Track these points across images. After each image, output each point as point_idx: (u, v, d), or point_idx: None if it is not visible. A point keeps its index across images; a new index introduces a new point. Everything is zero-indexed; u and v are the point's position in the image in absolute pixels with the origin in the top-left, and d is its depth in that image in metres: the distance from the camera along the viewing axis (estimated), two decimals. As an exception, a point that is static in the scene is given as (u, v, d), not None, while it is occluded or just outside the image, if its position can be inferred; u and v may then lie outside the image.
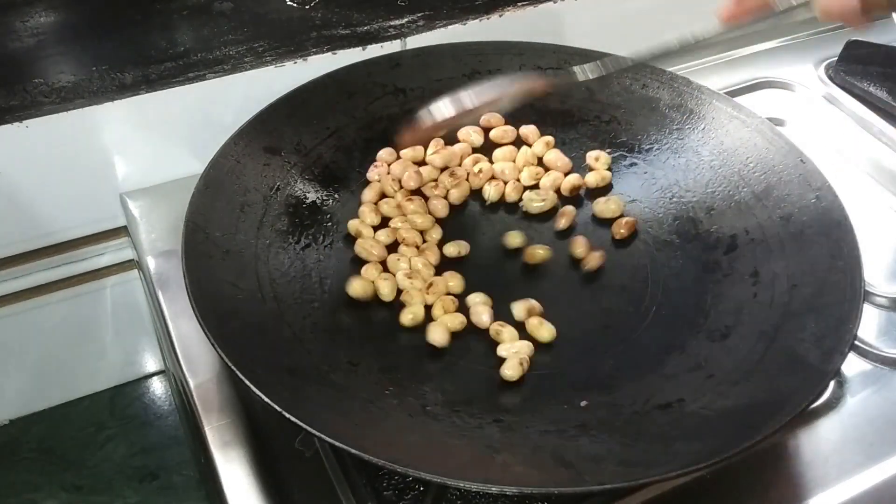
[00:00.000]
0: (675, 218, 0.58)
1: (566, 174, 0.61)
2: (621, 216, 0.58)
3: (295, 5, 0.62)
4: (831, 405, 0.51)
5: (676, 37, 0.48)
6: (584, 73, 0.54)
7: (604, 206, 0.59)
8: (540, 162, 0.62)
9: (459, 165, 0.61)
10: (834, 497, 0.46)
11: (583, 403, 0.47)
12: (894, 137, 0.69)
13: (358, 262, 0.55)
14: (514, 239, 0.57)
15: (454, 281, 0.54)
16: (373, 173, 0.59)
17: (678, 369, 0.49)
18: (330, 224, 0.57)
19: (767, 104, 0.72)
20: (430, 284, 0.53)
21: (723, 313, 0.52)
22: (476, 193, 0.61)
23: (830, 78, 0.75)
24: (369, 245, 0.55)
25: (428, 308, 0.52)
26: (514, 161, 0.62)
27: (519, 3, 0.70)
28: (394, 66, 0.63)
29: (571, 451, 0.43)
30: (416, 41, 0.67)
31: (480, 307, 0.52)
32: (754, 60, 0.78)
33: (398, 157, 0.61)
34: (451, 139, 0.62)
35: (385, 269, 0.54)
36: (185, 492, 0.71)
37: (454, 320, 0.51)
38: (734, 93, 0.72)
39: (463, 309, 0.52)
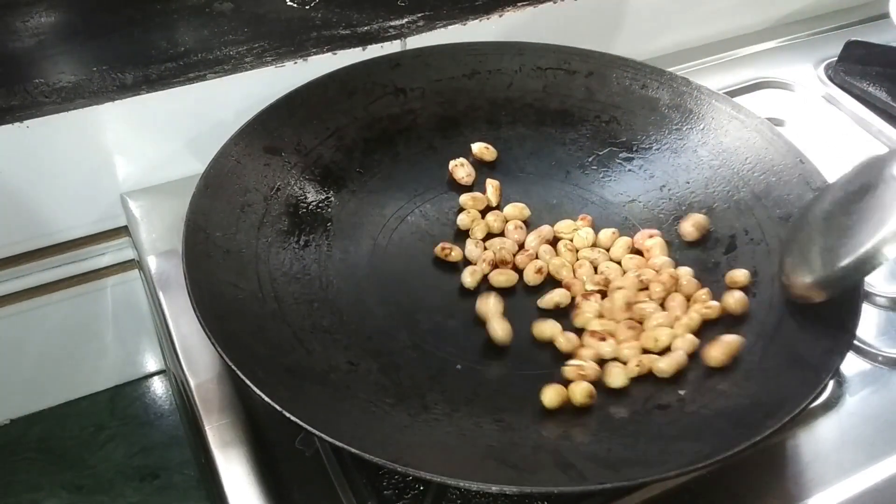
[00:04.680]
0: (676, 218, 0.58)
1: None
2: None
3: (295, 5, 0.62)
4: (831, 405, 0.51)
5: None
6: None
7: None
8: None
9: None
10: (834, 497, 0.46)
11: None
12: (894, 137, 0.69)
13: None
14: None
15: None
16: None
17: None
18: (330, 224, 0.57)
19: (767, 104, 0.72)
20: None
21: (722, 313, 0.52)
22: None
23: (830, 78, 0.75)
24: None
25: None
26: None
27: (519, 3, 0.70)
28: (394, 66, 0.63)
29: (571, 451, 0.43)
30: (416, 41, 0.67)
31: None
32: (754, 60, 0.78)
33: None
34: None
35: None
36: (185, 492, 0.70)
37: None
38: (734, 93, 0.72)
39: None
